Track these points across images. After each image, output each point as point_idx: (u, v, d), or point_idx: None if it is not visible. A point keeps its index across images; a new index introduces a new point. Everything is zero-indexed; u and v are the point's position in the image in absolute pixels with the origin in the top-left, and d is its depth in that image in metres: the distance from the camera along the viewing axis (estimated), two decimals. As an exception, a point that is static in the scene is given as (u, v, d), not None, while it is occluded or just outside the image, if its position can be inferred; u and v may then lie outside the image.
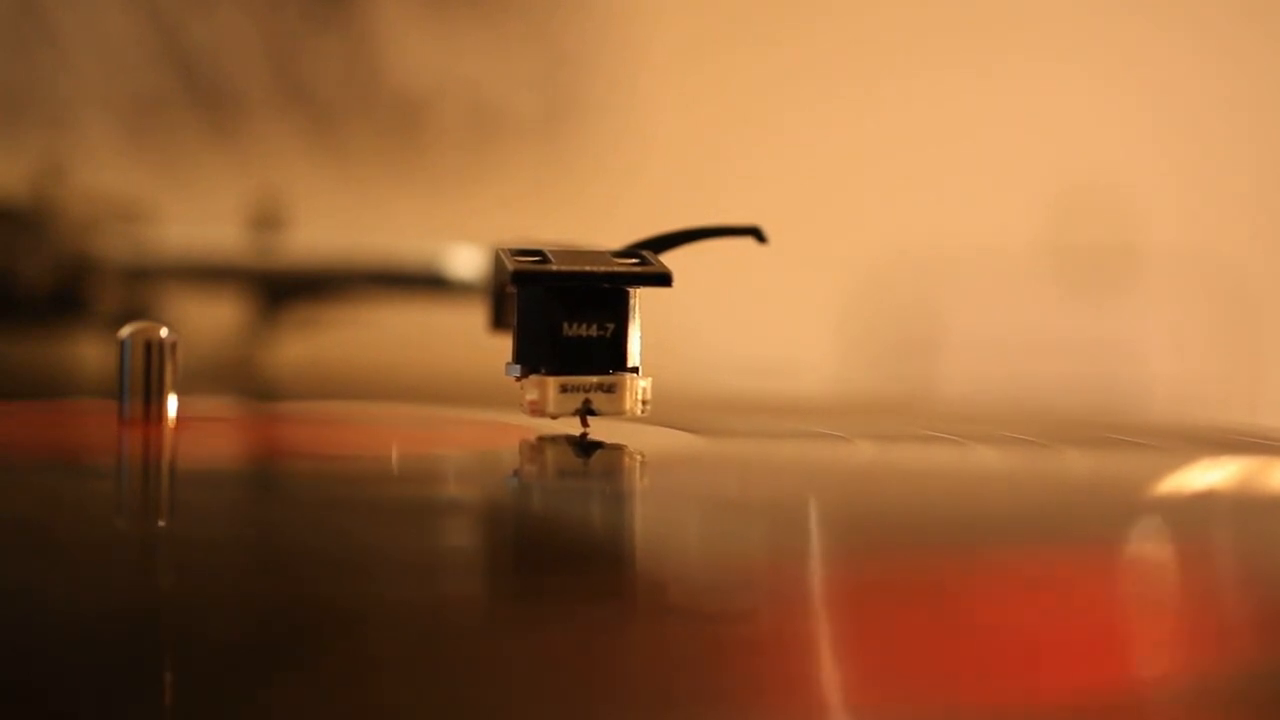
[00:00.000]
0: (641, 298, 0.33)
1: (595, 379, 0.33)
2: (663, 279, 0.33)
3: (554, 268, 0.33)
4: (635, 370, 0.33)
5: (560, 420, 0.33)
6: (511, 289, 0.33)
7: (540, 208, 0.88)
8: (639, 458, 0.35)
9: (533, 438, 0.35)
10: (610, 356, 0.33)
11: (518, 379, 0.33)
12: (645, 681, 0.19)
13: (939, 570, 0.24)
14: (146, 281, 0.62)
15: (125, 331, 0.34)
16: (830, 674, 0.20)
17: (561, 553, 0.25)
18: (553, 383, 0.33)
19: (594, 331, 0.33)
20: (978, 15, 0.89)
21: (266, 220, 0.62)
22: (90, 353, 0.60)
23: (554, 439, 0.35)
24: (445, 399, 0.48)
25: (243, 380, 0.57)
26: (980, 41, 0.89)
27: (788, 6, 0.91)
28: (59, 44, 0.92)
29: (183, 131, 0.92)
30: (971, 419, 0.49)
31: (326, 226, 0.63)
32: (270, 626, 0.21)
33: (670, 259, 0.34)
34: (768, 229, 0.35)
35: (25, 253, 0.61)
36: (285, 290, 0.61)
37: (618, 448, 0.34)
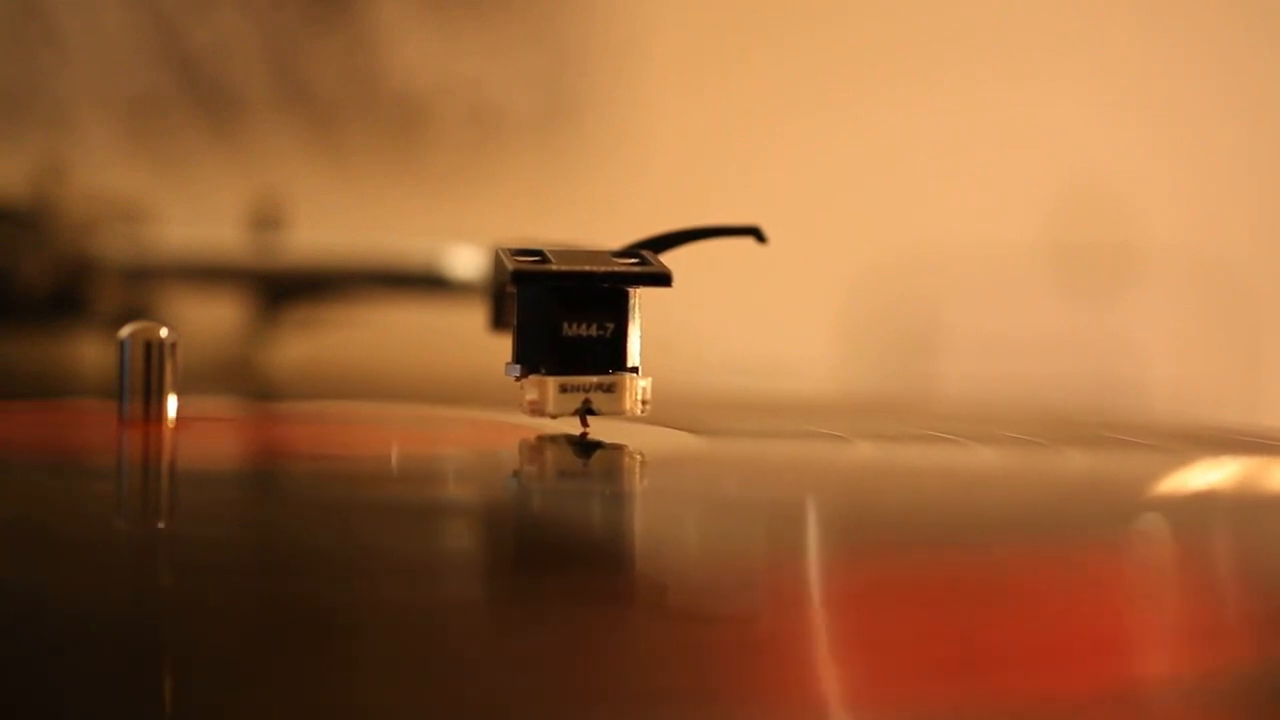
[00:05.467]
0: (641, 297, 0.33)
1: (595, 379, 0.33)
2: (662, 279, 0.33)
3: (554, 267, 0.33)
4: (635, 370, 0.33)
5: (560, 420, 0.33)
6: (511, 289, 0.33)
7: (540, 208, 0.88)
8: (639, 458, 0.35)
9: (532, 438, 0.35)
10: (610, 356, 0.33)
11: (517, 379, 0.33)
12: (645, 682, 0.19)
13: (938, 570, 0.24)
14: (146, 281, 0.62)
15: (125, 331, 0.34)
16: (830, 673, 0.20)
17: (561, 553, 0.25)
18: (552, 382, 0.33)
19: (594, 331, 0.33)
20: (978, 16, 0.89)
21: (266, 220, 0.62)
22: (90, 353, 0.60)
23: (554, 439, 0.35)
24: (445, 399, 0.48)
25: (243, 380, 0.57)
26: (981, 42, 0.89)
27: (788, 7, 0.91)
28: (59, 44, 0.92)
29: (183, 131, 0.92)
30: (971, 418, 0.49)
31: (326, 226, 0.63)
32: (270, 627, 0.21)
33: (670, 259, 0.34)
34: (768, 229, 0.35)
35: (25, 253, 0.61)
36: (285, 290, 0.61)
37: (617, 448, 0.34)
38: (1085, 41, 0.89)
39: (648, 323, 0.33)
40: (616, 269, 0.33)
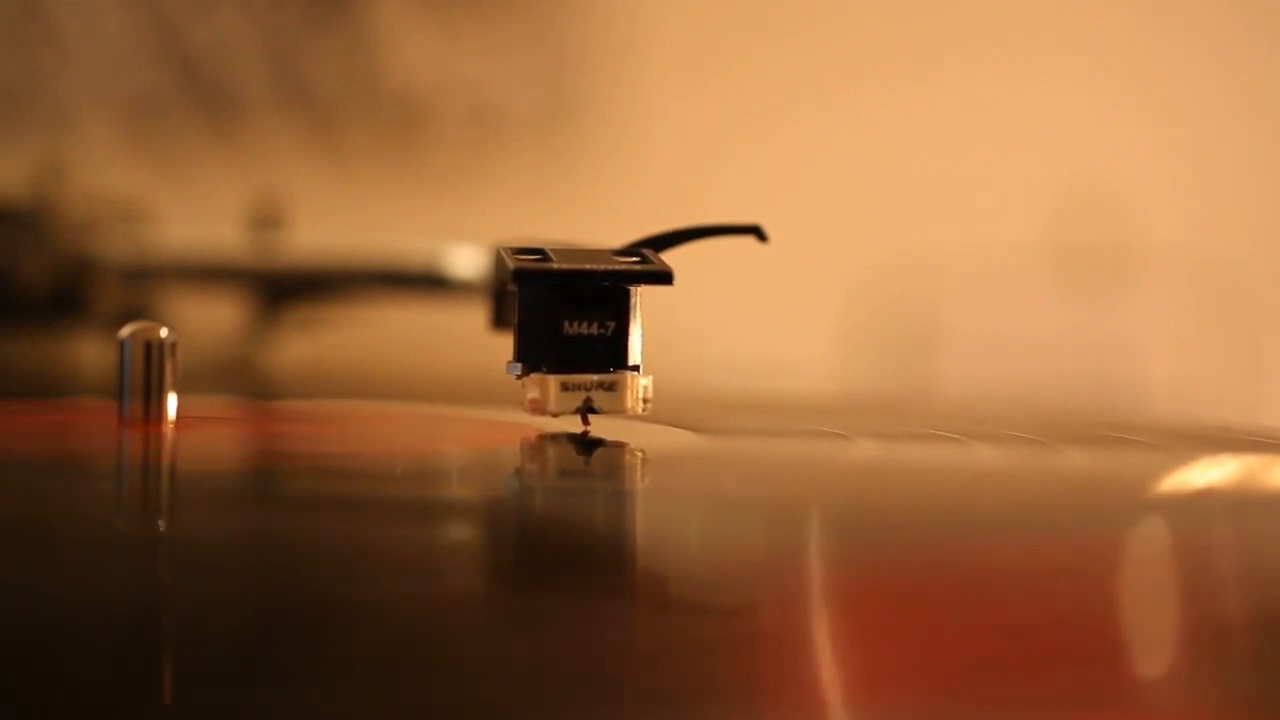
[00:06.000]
0: (643, 296, 0.33)
1: (596, 377, 0.33)
2: (664, 277, 0.33)
3: (555, 266, 0.32)
4: (636, 368, 0.33)
5: (561, 418, 0.33)
6: (512, 287, 0.33)
7: (540, 207, 0.88)
8: (640, 456, 0.35)
9: (533, 436, 0.35)
10: (611, 355, 0.33)
11: (519, 377, 0.33)
12: (646, 680, 0.19)
13: (939, 569, 0.24)
14: (146, 281, 0.62)
15: (125, 331, 0.34)
16: (831, 673, 0.20)
17: (562, 551, 0.25)
18: (554, 381, 0.33)
19: (595, 330, 0.33)
20: (978, 16, 0.89)
21: (266, 220, 0.62)
22: (90, 353, 0.60)
23: (555, 437, 0.35)
24: (446, 398, 0.48)
25: (243, 380, 0.57)
26: (981, 42, 0.89)
27: (788, 7, 0.91)
28: (59, 44, 0.92)
29: (183, 131, 0.92)
30: (972, 417, 0.49)
31: (326, 226, 0.63)
32: (270, 626, 0.21)
33: (671, 257, 0.34)
34: (768, 228, 0.35)
35: (25, 253, 0.61)
36: (285, 290, 0.61)
37: (619, 446, 0.34)
38: (1085, 41, 0.89)
39: (649, 321, 0.33)
40: (618, 267, 0.33)
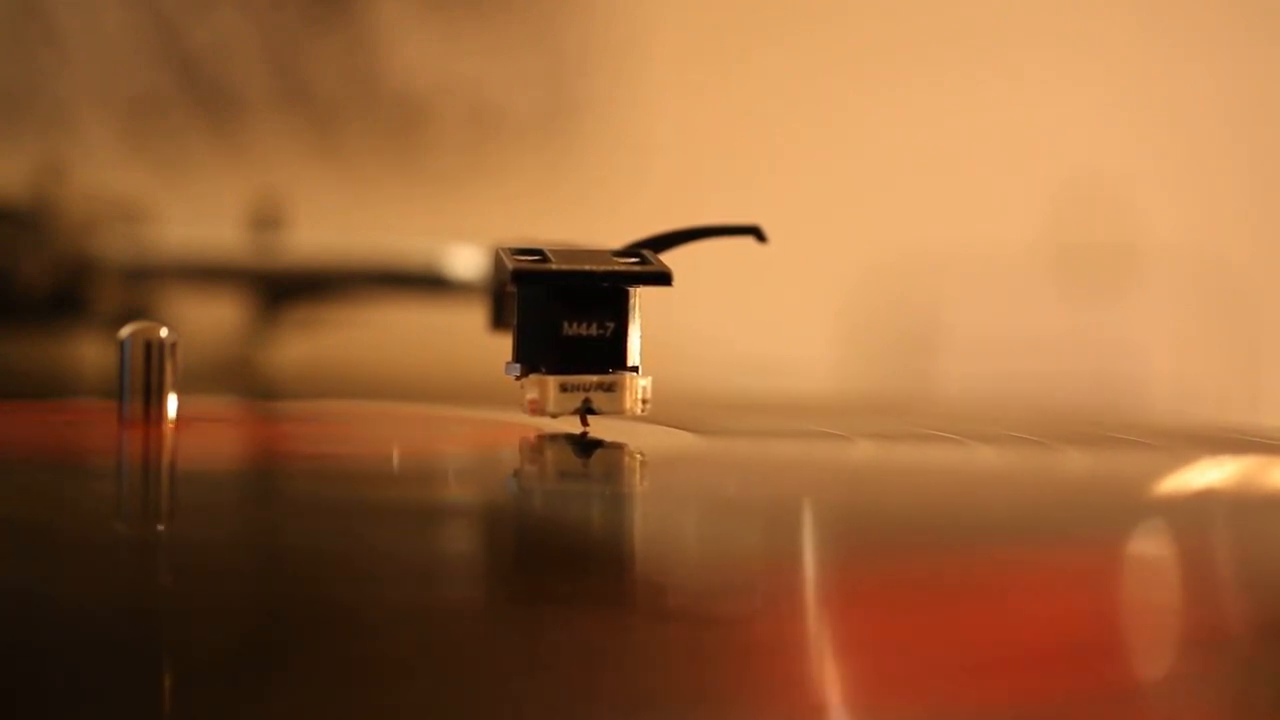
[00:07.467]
0: (642, 297, 0.33)
1: (595, 378, 0.33)
2: (663, 278, 0.33)
3: (554, 267, 0.33)
4: (635, 369, 0.33)
5: (560, 419, 0.33)
6: (511, 288, 0.33)
7: (540, 208, 0.88)
8: (639, 457, 0.35)
9: (532, 437, 0.35)
10: (610, 355, 0.33)
11: (518, 378, 0.33)
12: (645, 682, 0.19)
13: (939, 570, 0.24)
14: (146, 281, 0.62)
15: (125, 331, 0.34)
16: (830, 675, 0.20)
17: (561, 553, 0.25)
18: (553, 382, 0.33)
19: (594, 330, 0.33)
20: (977, 16, 0.89)
21: (266, 220, 0.62)
22: (90, 353, 0.60)
23: (554, 438, 0.35)
24: (445, 398, 0.48)
25: (243, 380, 0.57)
26: (980, 42, 0.89)
27: (788, 7, 0.91)
28: (59, 44, 0.92)
29: (183, 132, 0.92)
30: (971, 418, 0.49)
31: (326, 226, 0.63)
32: (270, 627, 0.21)
33: (670, 258, 0.34)
34: (768, 228, 0.35)
35: (25, 253, 0.61)
36: (285, 290, 0.61)
37: (618, 447, 0.34)
38: (1085, 41, 0.89)
39: (648, 322, 0.33)
40: (617, 268, 0.33)
